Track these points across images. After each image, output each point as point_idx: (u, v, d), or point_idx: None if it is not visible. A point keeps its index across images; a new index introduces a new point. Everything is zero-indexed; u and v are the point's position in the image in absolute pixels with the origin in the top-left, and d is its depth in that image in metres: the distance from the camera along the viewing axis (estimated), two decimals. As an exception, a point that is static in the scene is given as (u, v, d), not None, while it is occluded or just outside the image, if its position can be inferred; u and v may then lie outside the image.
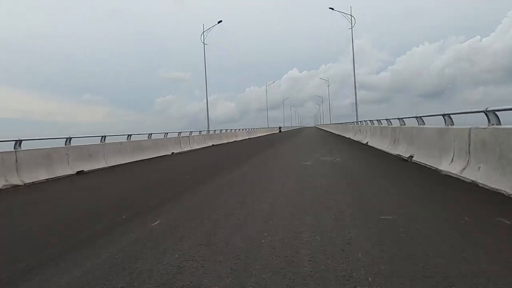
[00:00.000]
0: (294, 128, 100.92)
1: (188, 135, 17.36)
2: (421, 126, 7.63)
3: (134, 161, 11.03)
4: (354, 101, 25.27)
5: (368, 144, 12.71)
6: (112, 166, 9.71)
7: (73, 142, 8.87)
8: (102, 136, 10.32)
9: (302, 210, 3.58)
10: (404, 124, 9.27)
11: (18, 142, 7.60)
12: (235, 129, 29.23)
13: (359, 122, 19.13)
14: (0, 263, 2.59)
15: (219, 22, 24.85)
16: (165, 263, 2.36)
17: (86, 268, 2.37)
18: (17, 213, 4.57)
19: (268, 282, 2.00)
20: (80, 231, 3.27)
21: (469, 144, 4.79)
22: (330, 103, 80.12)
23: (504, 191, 3.74)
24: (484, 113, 4.52)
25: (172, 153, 14.14)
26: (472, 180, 4.46)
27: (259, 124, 65.01)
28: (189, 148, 16.23)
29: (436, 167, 5.78)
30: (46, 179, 7.51)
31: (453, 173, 5.08)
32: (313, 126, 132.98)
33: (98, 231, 3.25)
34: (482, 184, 4.20)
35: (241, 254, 2.45)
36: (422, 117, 7.76)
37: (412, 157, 7.40)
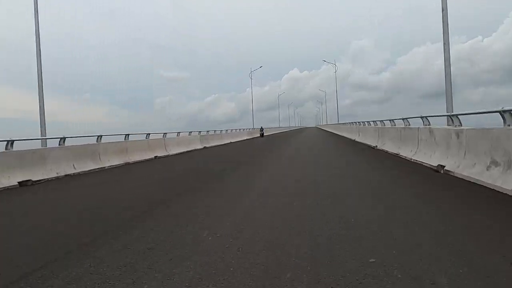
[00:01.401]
0: (293, 128, 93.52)
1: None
2: None
3: None
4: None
5: None
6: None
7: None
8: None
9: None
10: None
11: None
12: (164, 134, 14.73)
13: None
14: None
15: None
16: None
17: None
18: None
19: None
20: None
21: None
22: (329, 104, 75.37)
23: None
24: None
25: None
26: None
27: (260, 124, 61.17)
28: None
29: None
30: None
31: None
32: (314, 126, 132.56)
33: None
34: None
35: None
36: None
37: None
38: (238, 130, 30.75)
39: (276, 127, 64.99)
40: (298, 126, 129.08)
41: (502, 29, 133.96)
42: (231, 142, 23.51)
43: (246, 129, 34.87)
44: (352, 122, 22.75)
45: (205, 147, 18.20)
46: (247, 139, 28.69)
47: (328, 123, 64.83)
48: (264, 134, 35.98)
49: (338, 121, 43.29)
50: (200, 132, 19.21)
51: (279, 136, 35.66)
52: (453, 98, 10.08)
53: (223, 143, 22.08)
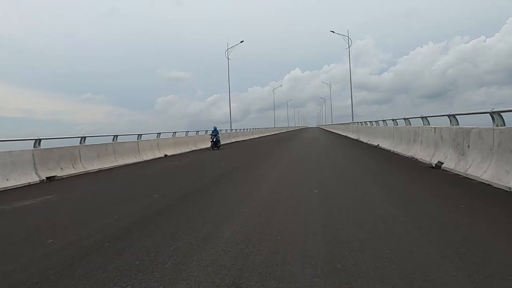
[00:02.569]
0: (292, 129, 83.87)
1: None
2: None
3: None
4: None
5: None
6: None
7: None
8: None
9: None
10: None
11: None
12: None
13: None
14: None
15: None
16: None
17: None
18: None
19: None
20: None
21: None
22: (331, 104, 64.17)
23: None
24: None
25: None
26: None
27: (260, 125, 56.87)
28: None
29: None
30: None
31: None
32: (315, 126, 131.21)
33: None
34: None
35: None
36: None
37: None
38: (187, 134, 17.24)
39: (272, 128, 53.77)
40: (299, 126, 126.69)
41: (505, 29, 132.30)
42: (141, 161, 11.41)
43: (207, 130, 19.24)
44: (399, 119, 10.62)
45: (49, 179, 7.54)
46: (184, 153, 14.75)
47: (333, 123, 53.08)
48: (237, 141, 21.97)
49: (352, 119, 29.07)
50: (37, 142, 7.71)
51: (252, 145, 19.83)
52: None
53: (110, 166, 9.88)
